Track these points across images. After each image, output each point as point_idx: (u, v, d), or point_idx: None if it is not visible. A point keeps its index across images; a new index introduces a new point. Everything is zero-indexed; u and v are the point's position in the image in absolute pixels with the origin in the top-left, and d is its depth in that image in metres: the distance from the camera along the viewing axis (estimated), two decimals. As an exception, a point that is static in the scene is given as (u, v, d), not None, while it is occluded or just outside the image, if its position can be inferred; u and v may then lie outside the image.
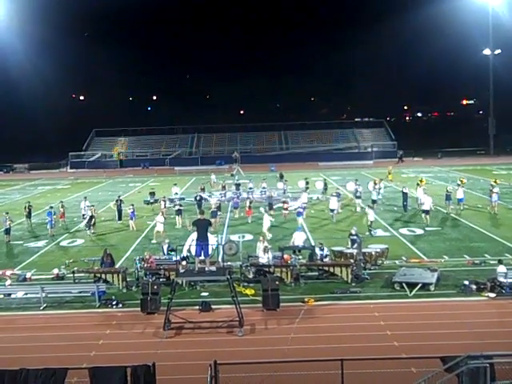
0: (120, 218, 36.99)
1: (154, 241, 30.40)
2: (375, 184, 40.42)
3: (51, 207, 35.60)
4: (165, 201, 38.12)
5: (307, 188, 43.64)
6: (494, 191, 35.61)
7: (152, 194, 43.62)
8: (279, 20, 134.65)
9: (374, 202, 37.65)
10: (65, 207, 37.46)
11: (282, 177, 51.15)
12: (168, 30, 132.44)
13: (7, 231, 32.66)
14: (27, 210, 36.94)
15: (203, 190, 44.51)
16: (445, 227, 32.29)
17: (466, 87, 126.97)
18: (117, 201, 38.08)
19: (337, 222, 34.37)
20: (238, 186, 47.27)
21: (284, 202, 36.27)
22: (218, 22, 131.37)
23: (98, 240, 32.17)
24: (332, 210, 35.26)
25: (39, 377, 11.85)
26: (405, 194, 37.22)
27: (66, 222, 36.50)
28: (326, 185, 45.58)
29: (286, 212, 35.47)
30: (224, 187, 46.50)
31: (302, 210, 33.34)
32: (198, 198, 38.55)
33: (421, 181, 41.50)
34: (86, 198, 39.86)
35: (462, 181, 41.58)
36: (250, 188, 45.97)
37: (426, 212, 33.00)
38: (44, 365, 12.48)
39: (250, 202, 36.36)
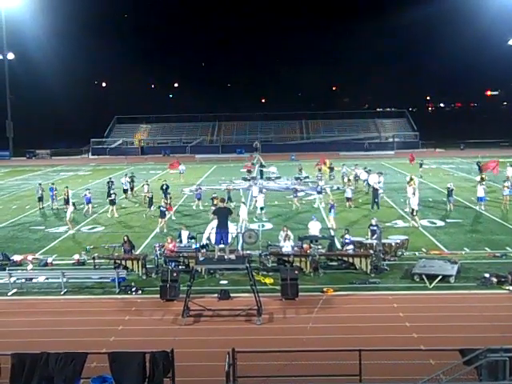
0: (109, 197, 38.84)
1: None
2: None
3: (53, 183, 40.06)
4: (148, 184, 39.64)
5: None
6: (505, 185, 35.14)
7: (301, 170, 48.96)
8: (301, 8, 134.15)
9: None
10: (134, 181, 42.50)
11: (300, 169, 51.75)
12: (190, 17, 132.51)
13: (40, 199, 37.87)
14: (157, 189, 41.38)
15: (301, 170, 48.84)
16: (466, 219, 32.04)
17: (491, 78, 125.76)
18: (108, 182, 40.58)
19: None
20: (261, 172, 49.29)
21: (214, 199, 33.81)
22: (240, 10, 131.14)
23: (118, 226, 32.35)
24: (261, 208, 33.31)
25: (59, 361, 11.97)
26: (376, 191, 35.32)
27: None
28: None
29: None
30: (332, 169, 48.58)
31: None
32: (164, 187, 38.75)
33: (411, 179, 37.35)
34: (126, 174, 44.29)
35: (482, 178, 37.87)
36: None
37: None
38: (64, 349, 12.61)
39: (170, 198, 35.24)
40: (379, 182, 38.18)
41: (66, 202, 35.98)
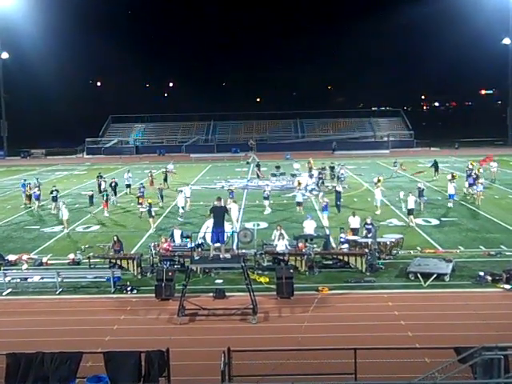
0: (100, 192, 40.08)
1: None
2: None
3: (25, 180, 41.41)
4: (105, 181, 41.17)
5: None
6: (479, 181, 35.42)
7: (311, 169, 47.97)
8: (296, 8, 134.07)
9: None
10: (153, 176, 44.68)
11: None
12: (185, 17, 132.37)
13: (27, 195, 38.51)
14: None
15: (311, 169, 47.53)
16: (461, 217, 32.09)
17: (485, 77, 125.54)
18: (98, 177, 42.50)
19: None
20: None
21: (139, 197, 35.03)
22: (235, 10, 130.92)
23: (113, 225, 32.31)
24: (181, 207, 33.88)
25: (55, 360, 11.96)
26: (338, 193, 34.40)
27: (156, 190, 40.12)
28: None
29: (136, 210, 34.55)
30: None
31: None
32: (113, 185, 39.99)
33: (378, 180, 37.29)
34: (129, 170, 46.09)
35: (453, 176, 38.05)
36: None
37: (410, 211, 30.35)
38: (59, 348, 12.59)
39: (107, 196, 36.09)
40: (307, 185, 37.83)
41: (29, 197, 38.06)
